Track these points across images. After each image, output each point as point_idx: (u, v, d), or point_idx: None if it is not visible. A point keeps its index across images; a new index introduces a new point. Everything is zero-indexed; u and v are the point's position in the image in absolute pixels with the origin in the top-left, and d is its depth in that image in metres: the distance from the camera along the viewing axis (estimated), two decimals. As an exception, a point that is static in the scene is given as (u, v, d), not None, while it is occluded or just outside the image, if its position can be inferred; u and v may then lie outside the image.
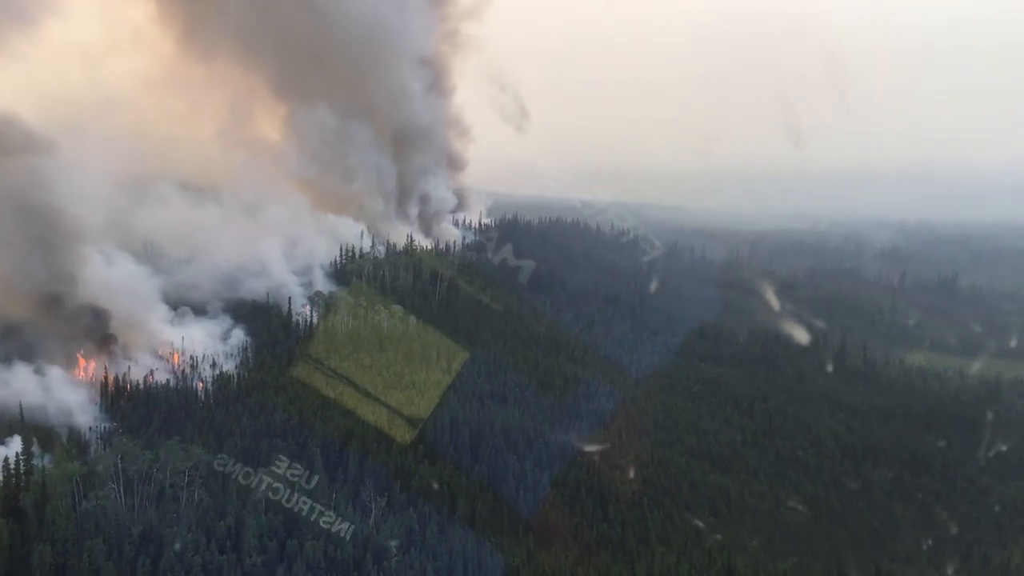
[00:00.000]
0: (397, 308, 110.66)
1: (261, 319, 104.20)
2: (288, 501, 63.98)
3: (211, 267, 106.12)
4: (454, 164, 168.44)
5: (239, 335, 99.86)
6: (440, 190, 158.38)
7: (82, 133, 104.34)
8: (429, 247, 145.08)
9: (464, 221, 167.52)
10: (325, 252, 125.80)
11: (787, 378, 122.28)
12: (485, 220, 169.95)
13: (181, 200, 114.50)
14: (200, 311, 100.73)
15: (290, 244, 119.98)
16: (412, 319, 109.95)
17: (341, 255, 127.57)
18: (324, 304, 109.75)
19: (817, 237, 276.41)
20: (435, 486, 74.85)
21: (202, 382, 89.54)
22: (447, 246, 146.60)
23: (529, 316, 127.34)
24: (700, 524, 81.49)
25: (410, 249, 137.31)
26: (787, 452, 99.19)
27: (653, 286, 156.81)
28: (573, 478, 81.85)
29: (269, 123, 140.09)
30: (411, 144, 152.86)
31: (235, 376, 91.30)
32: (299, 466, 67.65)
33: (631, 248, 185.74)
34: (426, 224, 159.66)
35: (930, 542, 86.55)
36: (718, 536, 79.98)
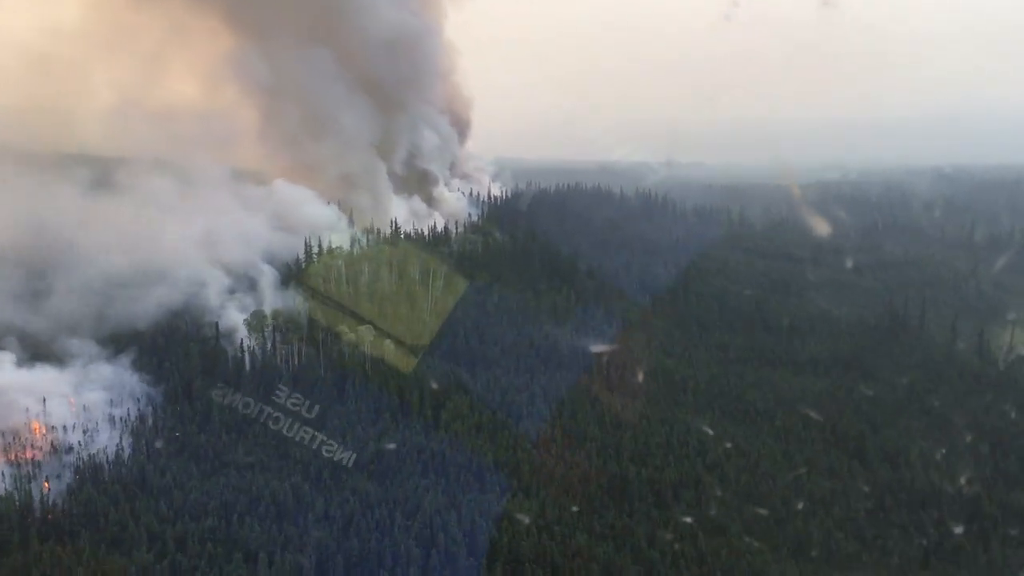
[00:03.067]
0: (366, 330, 72.81)
1: (172, 357, 67.04)
2: None
3: (92, 279, 68.40)
4: (455, 115, 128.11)
5: (131, 384, 62.94)
6: (434, 161, 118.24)
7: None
8: (426, 227, 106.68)
9: (471, 193, 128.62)
10: (281, 246, 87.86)
11: (894, 393, 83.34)
12: (494, 190, 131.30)
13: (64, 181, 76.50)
14: (69, 350, 63.79)
15: (226, 238, 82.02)
16: (388, 344, 72.33)
17: (306, 251, 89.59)
18: (263, 328, 71.79)
19: (852, 188, 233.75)
20: None
21: (47, 482, 52.69)
22: (445, 228, 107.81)
23: (548, 319, 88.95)
24: None
25: (396, 237, 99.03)
26: (934, 527, 61.33)
27: (695, 264, 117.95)
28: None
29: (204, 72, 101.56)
30: (397, 89, 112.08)
31: (104, 463, 54.38)
32: None
33: (661, 215, 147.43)
34: (420, 190, 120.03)
35: None
36: None
